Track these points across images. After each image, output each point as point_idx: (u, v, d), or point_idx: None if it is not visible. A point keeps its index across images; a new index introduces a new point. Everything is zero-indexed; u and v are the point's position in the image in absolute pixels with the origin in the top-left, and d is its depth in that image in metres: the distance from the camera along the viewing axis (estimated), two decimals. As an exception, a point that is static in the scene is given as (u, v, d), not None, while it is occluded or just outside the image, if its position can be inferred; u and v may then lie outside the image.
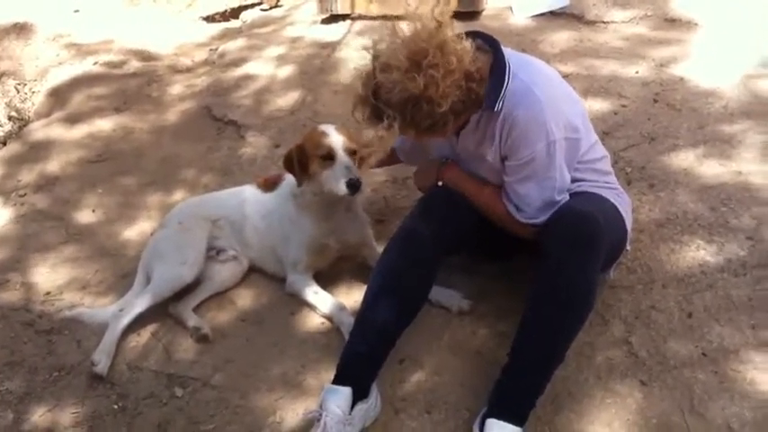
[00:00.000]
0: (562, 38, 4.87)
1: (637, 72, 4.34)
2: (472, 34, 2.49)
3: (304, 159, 3.02)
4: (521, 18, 5.21)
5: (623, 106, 4.02)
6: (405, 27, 2.37)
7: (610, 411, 2.49)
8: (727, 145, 3.58)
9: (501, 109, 2.44)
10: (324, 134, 3.03)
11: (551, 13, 5.19)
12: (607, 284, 2.92)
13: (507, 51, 2.53)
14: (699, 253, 3.01)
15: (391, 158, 3.15)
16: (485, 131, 2.55)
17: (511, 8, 5.32)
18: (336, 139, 2.99)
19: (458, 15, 5.20)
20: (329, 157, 2.98)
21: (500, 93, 2.42)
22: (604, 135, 3.77)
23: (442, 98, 2.29)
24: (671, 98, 4.02)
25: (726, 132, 3.67)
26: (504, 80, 2.43)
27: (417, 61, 2.27)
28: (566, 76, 4.30)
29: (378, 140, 2.42)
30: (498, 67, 2.45)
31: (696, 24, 4.86)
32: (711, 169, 3.42)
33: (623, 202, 2.76)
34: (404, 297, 2.63)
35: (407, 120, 2.35)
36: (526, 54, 2.72)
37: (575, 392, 2.57)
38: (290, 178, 3.18)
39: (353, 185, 2.91)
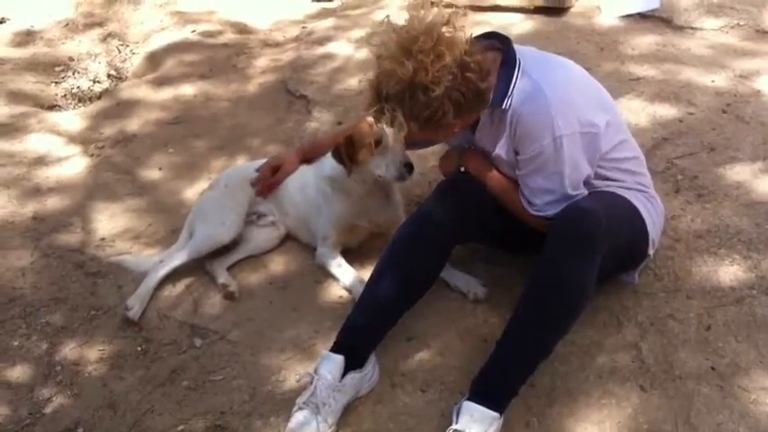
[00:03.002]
0: (644, 41, 4.74)
1: (713, 81, 4.19)
2: (485, 35, 2.55)
3: (352, 150, 3.05)
4: (608, 18, 5.09)
5: (690, 114, 3.88)
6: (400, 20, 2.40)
7: (603, 412, 2.47)
8: (787, 163, 3.44)
9: (509, 106, 2.47)
10: (372, 123, 3.05)
11: (640, 15, 5.04)
12: (630, 288, 2.88)
13: (524, 51, 2.55)
14: (732, 267, 2.92)
15: None
16: (498, 128, 2.57)
17: (599, 7, 5.22)
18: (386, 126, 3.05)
19: (543, 11, 5.18)
20: (379, 143, 3.01)
21: (508, 90, 2.45)
22: (663, 141, 3.68)
23: (433, 83, 2.28)
24: (741, 110, 3.86)
25: (790, 150, 3.53)
26: (512, 77, 2.46)
27: (407, 47, 2.29)
28: (637, 79, 4.26)
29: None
30: (507, 65, 2.49)
31: (789, 38, 4.66)
32: (765, 185, 3.29)
33: (651, 206, 2.70)
34: (407, 277, 2.67)
35: (406, 111, 2.35)
36: (550, 54, 2.70)
37: (572, 389, 2.56)
38: (326, 156, 3.26)
39: (408, 169, 2.97)
